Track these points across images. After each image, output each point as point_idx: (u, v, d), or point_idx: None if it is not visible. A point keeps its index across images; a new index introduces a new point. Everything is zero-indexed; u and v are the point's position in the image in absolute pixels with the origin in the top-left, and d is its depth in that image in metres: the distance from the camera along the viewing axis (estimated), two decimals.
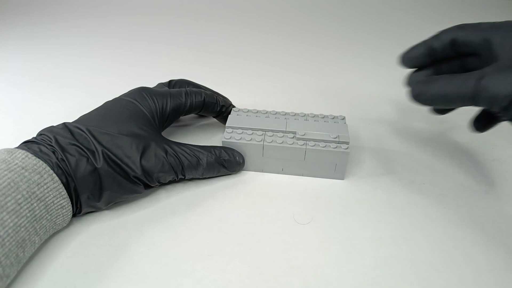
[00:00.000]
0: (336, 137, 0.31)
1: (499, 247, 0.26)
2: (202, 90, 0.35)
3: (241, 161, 0.32)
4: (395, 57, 0.30)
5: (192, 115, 0.39)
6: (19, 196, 0.22)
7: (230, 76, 0.52)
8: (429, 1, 0.86)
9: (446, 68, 0.29)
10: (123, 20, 0.75)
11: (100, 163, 0.26)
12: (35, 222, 0.23)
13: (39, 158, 0.25)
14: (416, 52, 0.29)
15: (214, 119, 0.39)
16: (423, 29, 0.69)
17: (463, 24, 0.27)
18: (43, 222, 0.24)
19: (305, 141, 0.31)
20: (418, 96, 0.26)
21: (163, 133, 0.33)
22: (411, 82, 0.29)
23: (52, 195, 0.24)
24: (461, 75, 0.24)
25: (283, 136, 0.32)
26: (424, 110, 0.44)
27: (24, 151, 0.25)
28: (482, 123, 0.30)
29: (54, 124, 0.29)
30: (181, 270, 0.25)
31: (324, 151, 0.31)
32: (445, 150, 0.37)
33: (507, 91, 0.21)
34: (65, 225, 0.27)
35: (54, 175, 0.25)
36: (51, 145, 0.26)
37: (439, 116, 0.33)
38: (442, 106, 0.29)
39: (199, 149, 0.31)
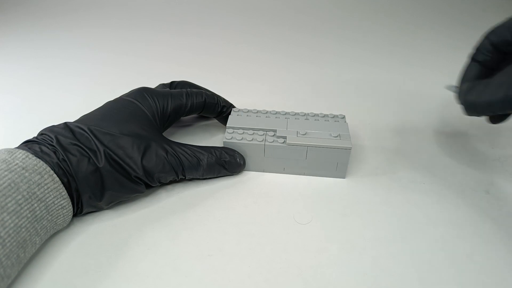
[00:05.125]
0: (337, 136, 0.31)
1: (499, 247, 0.27)
2: (203, 91, 0.35)
3: (241, 162, 0.32)
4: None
5: (193, 115, 0.39)
6: (20, 196, 0.22)
7: (230, 77, 0.52)
8: (429, 1, 0.86)
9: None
10: (123, 21, 0.75)
11: (102, 163, 0.26)
12: (35, 222, 0.23)
13: (39, 158, 0.25)
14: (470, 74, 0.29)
15: (214, 120, 0.39)
16: (422, 28, 0.69)
17: (493, 28, 0.27)
18: (43, 223, 0.24)
19: (306, 140, 0.31)
20: (470, 109, 0.27)
21: (164, 134, 0.33)
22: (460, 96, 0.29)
23: (52, 196, 0.24)
24: (493, 82, 0.25)
25: (284, 136, 0.32)
26: (424, 110, 0.44)
27: (24, 151, 0.25)
28: (497, 116, 0.30)
29: (55, 124, 0.29)
30: (181, 270, 0.25)
31: (326, 149, 0.31)
32: (445, 150, 0.37)
33: None
34: (65, 225, 0.27)
35: (55, 175, 0.25)
36: (52, 145, 0.26)
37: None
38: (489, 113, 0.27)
39: (199, 150, 0.31)
